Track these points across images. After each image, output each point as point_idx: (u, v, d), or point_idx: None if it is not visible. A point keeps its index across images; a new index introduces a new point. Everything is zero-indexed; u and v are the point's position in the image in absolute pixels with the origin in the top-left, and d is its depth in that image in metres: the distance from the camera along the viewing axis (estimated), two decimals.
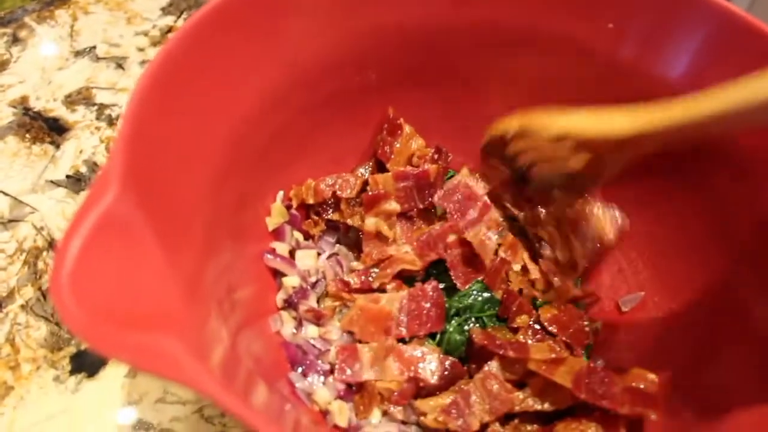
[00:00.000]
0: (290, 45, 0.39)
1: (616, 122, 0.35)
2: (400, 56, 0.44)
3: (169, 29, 0.70)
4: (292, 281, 0.43)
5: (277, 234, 0.45)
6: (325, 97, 0.43)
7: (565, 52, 0.43)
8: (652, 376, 0.38)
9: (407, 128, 0.48)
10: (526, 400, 0.39)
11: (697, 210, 0.42)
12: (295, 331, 0.42)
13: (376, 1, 0.41)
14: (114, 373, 0.44)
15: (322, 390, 0.40)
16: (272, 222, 0.45)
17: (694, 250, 0.42)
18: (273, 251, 0.44)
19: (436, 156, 0.48)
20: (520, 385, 0.40)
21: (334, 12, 0.40)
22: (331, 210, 0.47)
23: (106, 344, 0.20)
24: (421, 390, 0.41)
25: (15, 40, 0.66)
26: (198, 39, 0.33)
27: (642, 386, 0.37)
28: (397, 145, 0.47)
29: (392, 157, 0.47)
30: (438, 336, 0.44)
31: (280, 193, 0.46)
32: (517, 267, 0.46)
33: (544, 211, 0.46)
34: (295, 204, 0.46)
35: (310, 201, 0.46)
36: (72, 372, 0.44)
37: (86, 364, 0.44)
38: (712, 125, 0.32)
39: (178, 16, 0.71)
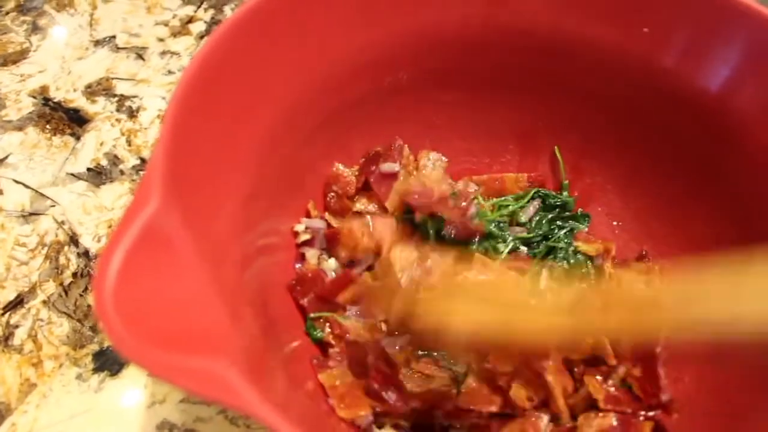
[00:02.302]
0: (324, 46, 0.38)
1: None
2: (432, 58, 0.43)
3: (190, 19, 0.68)
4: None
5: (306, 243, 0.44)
6: (357, 98, 0.42)
7: (600, 61, 0.42)
8: None
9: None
10: None
11: None
12: None
13: (411, 3, 0.39)
14: (137, 372, 0.44)
15: None
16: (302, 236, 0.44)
17: None
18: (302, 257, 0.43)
19: None
20: None
21: (370, 13, 0.39)
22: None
23: (159, 369, 0.20)
24: None
25: (35, 28, 0.65)
26: (232, 43, 0.32)
27: None
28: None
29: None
30: None
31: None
32: None
33: None
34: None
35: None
36: (95, 370, 0.44)
37: (109, 363, 0.44)
38: None
39: (198, 6, 0.70)
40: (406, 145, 0.48)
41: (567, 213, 0.49)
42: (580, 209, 0.50)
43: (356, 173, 0.46)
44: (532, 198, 0.48)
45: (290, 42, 0.37)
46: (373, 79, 0.42)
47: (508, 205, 0.48)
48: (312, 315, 0.42)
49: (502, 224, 0.47)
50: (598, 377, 0.39)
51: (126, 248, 0.22)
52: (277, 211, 0.41)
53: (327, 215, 0.45)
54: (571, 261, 0.46)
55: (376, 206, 0.46)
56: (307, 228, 0.44)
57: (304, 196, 0.45)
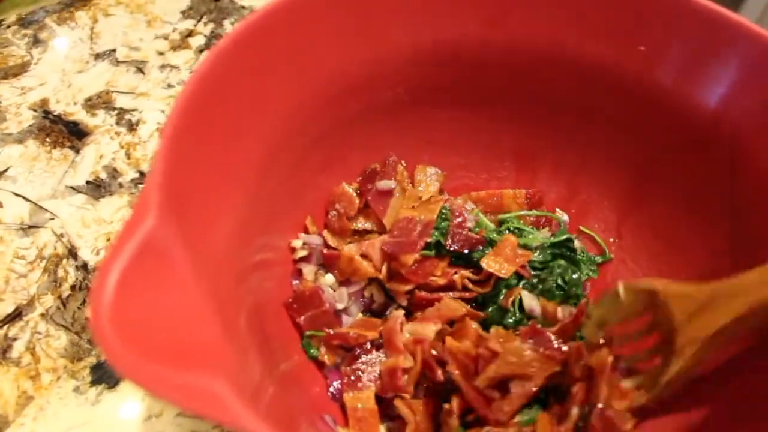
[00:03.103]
0: (322, 62, 0.39)
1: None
2: (430, 75, 0.43)
3: (189, 33, 0.69)
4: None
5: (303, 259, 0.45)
6: (355, 113, 0.43)
7: (598, 78, 0.42)
8: None
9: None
10: None
11: None
12: None
13: (410, 22, 0.40)
14: (134, 386, 0.44)
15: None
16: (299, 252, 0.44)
17: None
18: (299, 273, 0.44)
19: None
20: None
21: (368, 30, 0.39)
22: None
23: (153, 384, 0.20)
24: None
25: (36, 41, 0.66)
26: (231, 59, 0.32)
27: None
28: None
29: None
30: None
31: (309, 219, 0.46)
32: None
33: None
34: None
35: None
36: (92, 383, 0.44)
37: (106, 376, 0.44)
38: None
39: (198, 20, 0.71)
40: (401, 162, 0.48)
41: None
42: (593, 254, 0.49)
43: (357, 191, 0.47)
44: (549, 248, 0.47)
45: (289, 58, 0.37)
46: (370, 95, 0.43)
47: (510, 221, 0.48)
48: (308, 333, 0.42)
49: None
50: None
51: (123, 263, 0.22)
52: (275, 227, 0.41)
53: (325, 233, 0.46)
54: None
55: (373, 224, 0.46)
56: (304, 244, 0.45)
57: (302, 211, 0.45)
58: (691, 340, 0.34)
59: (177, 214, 0.26)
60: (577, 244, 0.47)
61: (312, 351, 0.42)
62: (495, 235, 0.46)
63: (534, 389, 0.36)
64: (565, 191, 0.50)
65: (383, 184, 0.46)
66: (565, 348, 0.37)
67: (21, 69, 0.64)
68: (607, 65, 0.42)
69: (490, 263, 0.43)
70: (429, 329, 0.40)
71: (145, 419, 0.43)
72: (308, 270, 0.44)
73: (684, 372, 0.35)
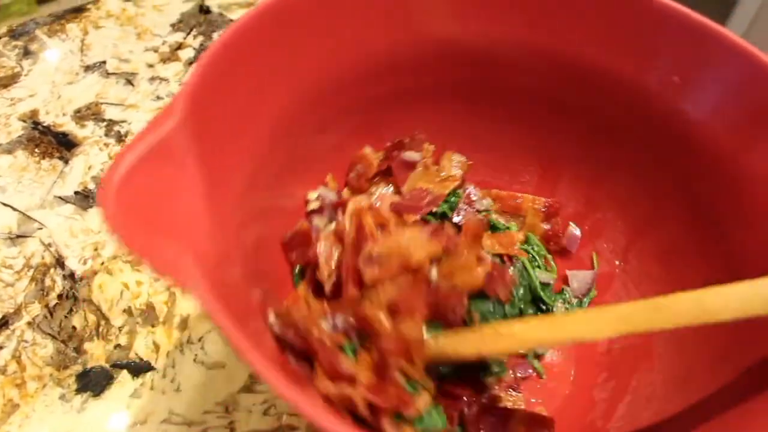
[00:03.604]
0: (350, 42, 0.41)
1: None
2: (446, 68, 0.45)
3: (179, 46, 0.70)
4: None
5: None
6: (386, 93, 0.46)
7: (625, 96, 0.43)
8: None
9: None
10: None
11: None
12: None
13: (436, 15, 0.43)
14: (119, 393, 0.45)
15: None
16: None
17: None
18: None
19: None
20: None
21: (392, 19, 0.42)
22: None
23: (131, 242, 0.24)
24: None
25: (26, 53, 0.67)
26: (261, 25, 0.35)
27: None
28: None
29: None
30: None
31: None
32: None
33: None
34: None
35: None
36: (78, 391, 0.45)
37: (92, 383, 0.45)
38: None
39: (188, 33, 0.72)
40: (427, 142, 0.50)
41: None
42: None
43: (381, 158, 0.49)
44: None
45: (328, 30, 0.40)
46: (396, 80, 0.45)
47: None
48: (298, 267, 0.44)
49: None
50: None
51: (141, 149, 0.26)
52: (294, 177, 0.44)
53: (345, 191, 0.48)
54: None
55: (392, 190, 0.48)
56: (319, 196, 0.46)
57: (326, 169, 0.47)
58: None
59: (199, 124, 0.30)
60: (558, 305, 0.48)
61: (301, 286, 0.44)
62: (498, 220, 0.49)
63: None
64: (582, 207, 0.50)
65: (409, 155, 0.48)
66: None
67: (11, 80, 0.64)
68: (636, 84, 0.43)
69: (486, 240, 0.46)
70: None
71: (131, 426, 0.43)
72: (318, 221, 0.46)
73: None
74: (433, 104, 0.48)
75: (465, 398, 0.40)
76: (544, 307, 0.47)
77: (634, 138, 0.45)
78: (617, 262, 0.49)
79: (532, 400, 0.44)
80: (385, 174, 0.49)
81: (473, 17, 0.43)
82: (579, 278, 0.49)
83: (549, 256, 0.50)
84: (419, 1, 0.42)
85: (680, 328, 0.32)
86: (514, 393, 0.43)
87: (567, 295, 0.49)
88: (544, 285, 0.47)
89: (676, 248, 0.45)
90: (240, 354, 0.23)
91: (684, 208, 0.44)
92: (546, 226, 0.50)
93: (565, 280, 0.50)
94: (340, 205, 0.45)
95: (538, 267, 0.48)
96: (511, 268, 0.47)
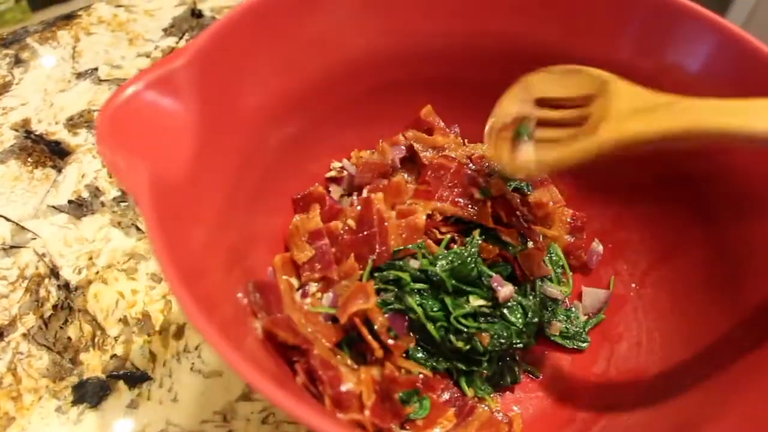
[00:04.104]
0: (357, 33, 0.43)
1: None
2: (455, 62, 0.47)
3: (171, 50, 0.70)
4: None
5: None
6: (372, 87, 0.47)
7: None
8: None
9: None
10: None
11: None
12: None
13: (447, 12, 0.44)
14: (116, 404, 0.44)
15: None
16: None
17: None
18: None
19: None
20: None
21: (413, 11, 0.43)
22: None
23: (109, 157, 0.27)
24: None
25: (17, 61, 0.67)
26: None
27: None
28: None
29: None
30: None
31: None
32: None
33: None
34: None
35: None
36: (74, 402, 0.44)
37: (88, 395, 0.45)
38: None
39: (180, 37, 0.72)
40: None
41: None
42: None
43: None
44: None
45: (352, 17, 0.42)
46: (394, 71, 0.47)
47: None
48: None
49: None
50: None
51: (145, 81, 0.29)
52: (318, 146, 0.47)
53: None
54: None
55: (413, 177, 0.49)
56: (341, 168, 0.49)
57: (349, 146, 0.50)
58: (615, 131, 0.33)
59: (203, 79, 0.32)
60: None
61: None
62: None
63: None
64: (609, 224, 0.50)
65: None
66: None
67: (2, 89, 0.64)
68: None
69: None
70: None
71: None
72: (334, 189, 0.48)
73: (592, 152, 0.34)
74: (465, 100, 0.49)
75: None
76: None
77: (664, 161, 0.44)
78: (633, 285, 0.48)
79: (515, 408, 0.44)
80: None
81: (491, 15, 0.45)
82: (592, 296, 0.48)
83: (567, 269, 0.49)
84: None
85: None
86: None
87: (573, 313, 0.48)
88: (552, 300, 0.47)
89: (691, 287, 0.44)
90: (190, 318, 0.24)
91: (706, 245, 0.43)
92: (570, 239, 0.50)
93: (579, 296, 0.49)
94: (357, 187, 0.48)
95: (550, 280, 0.47)
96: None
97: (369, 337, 0.37)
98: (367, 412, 0.33)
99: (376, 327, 0.38)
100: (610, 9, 0.42)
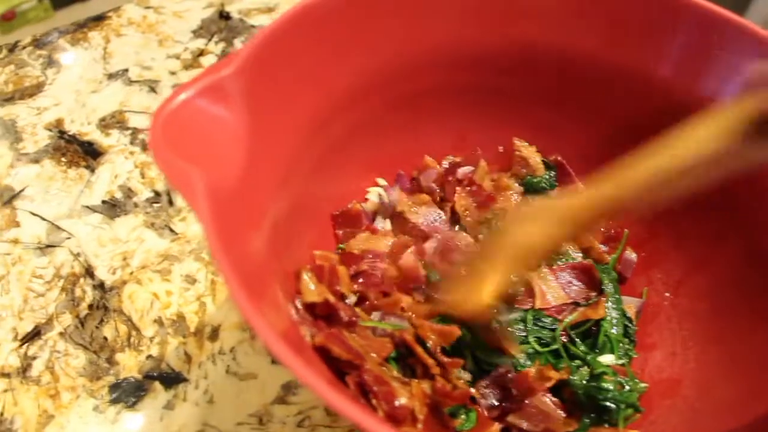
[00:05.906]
0: (390, 41, 0.43)
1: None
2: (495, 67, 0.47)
3: (201, 52, 0.70)
4: None
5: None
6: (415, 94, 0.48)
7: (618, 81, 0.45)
8: None
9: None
10: None
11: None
12: None
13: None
14: (153, 405, 0.45)
15: None
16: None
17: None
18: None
19: None
20: None
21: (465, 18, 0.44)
22: None
23: (165, 163, 0.28)
24: None
25: (50, 62, 0.67)
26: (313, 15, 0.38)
27: None
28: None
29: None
30: None
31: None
32: None
33: None
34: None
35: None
36: (111, 402, 0.45)
37: (125, 395, 0.45)
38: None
39: (209, 39, 0.72)
40: (483, 159, 0.52)
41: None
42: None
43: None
44: None
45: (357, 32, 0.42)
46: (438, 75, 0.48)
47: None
48: (342, 245, 0.47)
49: None
50: None
51: (196, 88, 0.30)
52: (358, 155, 0.48)
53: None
54: None
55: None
56: (379, 196, 0.50)
57: (378, 163, 0.51)
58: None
59: (252, 87, 0.32)
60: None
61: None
62: None
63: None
64: (644, 232, 0.49)
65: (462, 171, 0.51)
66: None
67: (36, 89, 0.65)
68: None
69: None
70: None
71: None
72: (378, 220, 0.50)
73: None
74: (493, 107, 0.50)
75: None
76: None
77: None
78: (667, 294, 0.48)
79: None
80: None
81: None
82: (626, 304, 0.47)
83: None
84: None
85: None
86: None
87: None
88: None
89: (727, 296, 0.43)
90: (251, 324, 0.24)
91: (743, 254, 0.43)
92: (603, 248, 0.49)
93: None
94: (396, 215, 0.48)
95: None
96: None
97: (424, 355, 0.38)
98: (420, 426, 0.33)
99: (428, 344, 0.38)
100: (651, 18, 0.42)
